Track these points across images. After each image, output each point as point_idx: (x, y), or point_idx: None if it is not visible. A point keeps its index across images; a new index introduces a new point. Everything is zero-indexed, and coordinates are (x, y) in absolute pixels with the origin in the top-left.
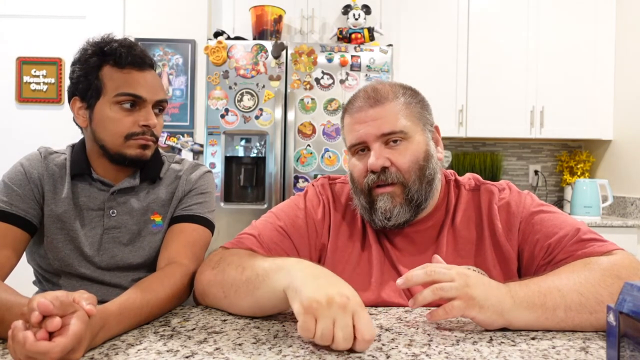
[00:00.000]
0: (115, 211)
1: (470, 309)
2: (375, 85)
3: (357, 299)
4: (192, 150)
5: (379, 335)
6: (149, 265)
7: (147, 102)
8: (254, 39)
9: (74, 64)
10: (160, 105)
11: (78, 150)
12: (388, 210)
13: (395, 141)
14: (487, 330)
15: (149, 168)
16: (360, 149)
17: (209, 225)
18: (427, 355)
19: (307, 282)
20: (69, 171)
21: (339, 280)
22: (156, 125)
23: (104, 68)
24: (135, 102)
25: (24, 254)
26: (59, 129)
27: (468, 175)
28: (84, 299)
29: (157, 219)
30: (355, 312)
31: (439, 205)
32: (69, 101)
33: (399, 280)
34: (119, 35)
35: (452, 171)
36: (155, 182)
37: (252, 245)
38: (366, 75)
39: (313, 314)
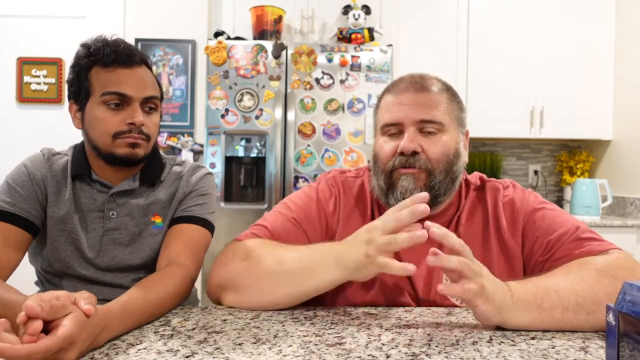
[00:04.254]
0: (115, 212)
1: (478, 297)
2: (423, 74)
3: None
4: (192, 150)
5: (379, 335)
6: (149, 267)
7: (133, 99)
8: (254, 39)
9: (70, 67)
10: (150, 103)
11: (79, 151)
12: (408, 190)
13: (430, 132)
14: (486, 330)
15: (149, 171)
16: (392, 130)
17: (209, 226)
18: (427, 355)
19: (354, 255)
20: (69, 172)
21: (358, 230)
22: (143, 123)
23: (92, 69)
24: (122, 100)
25: (26, 254)
26: (59, 129)
27: (474, 173)
28: (83, 298)
29: (158, 220)
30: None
31: (452, 203)
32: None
33: (431, 258)
34: (114, 36)
35: None
36: (155, 184)
37: (265, 237)
38: (366, 75)
39: (375, 253)
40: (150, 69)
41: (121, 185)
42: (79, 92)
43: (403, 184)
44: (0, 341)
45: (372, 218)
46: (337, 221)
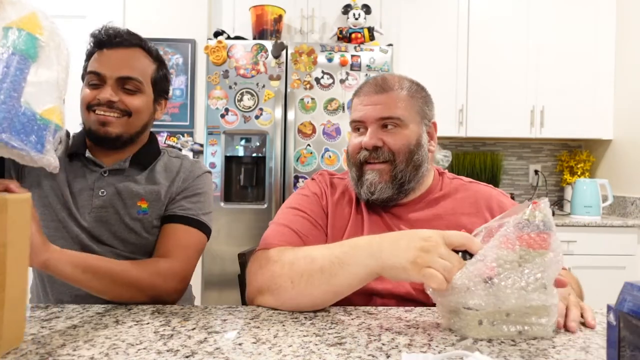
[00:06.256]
0: (104, 191)
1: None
2: (386, 75)
3: (431, 234)
4: (192, 150)
5: (379, 335)
6: (130, 250)
7: (106, 77)
8: (254, 38)
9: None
10: (128, 83)
11: (79, 132)
12: (373, 184)
13: (389, 126)
14: None
15: (141, 154)
16: (359, 127)
17: (203, 227)
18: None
19: (396, 253)
20: (67, 150)
21: (408, 232)
22: (109, 99)
23: (94, 55)
24: (99, 79)
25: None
26: None
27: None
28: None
29: (144, 205)
30: (442, 242)
31: (430, 189)
32: None
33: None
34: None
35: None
36: (147, 168)
37: (295, 242)
38: (366, 75)
39: (426, 265)
40: (150, 54)
41: (112, 165)
42: (84, 77)
43: (368, 177)
44: None
45: (358, 206)
46: (328, 212)
